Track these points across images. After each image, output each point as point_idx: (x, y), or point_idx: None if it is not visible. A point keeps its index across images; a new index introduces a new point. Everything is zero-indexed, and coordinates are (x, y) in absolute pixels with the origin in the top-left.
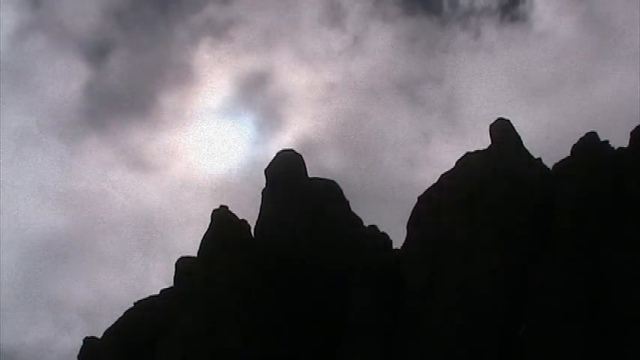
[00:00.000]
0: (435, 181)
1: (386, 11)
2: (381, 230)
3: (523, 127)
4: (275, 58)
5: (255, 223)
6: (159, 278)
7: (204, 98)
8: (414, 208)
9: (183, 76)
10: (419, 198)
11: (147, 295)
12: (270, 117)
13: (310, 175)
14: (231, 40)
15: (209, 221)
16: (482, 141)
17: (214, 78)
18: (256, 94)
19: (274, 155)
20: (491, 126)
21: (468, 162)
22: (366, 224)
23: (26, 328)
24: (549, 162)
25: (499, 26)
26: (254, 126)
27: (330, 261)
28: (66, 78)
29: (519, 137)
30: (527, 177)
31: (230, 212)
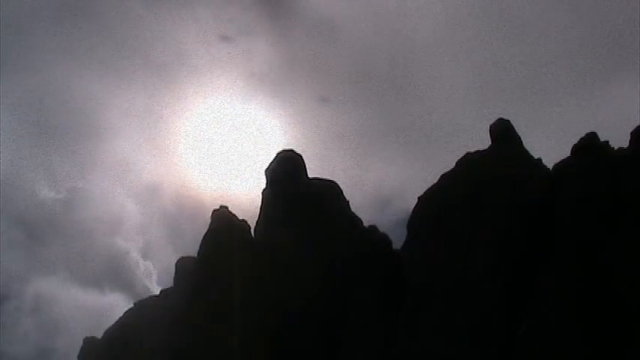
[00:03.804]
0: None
1: None
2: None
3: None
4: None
5: (255, 223)
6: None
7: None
8: (414, 208)
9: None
10: (419, 198)
11: (147, 295)
12: None
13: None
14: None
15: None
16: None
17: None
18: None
19: (274, 155)
20: (491, 126)
21: (468, 162)
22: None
23: None
24: (549, 162)
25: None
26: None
27: (330, 261)
28: None
29: (519, 137)
30: (527, 177)
31: (230, 212)
